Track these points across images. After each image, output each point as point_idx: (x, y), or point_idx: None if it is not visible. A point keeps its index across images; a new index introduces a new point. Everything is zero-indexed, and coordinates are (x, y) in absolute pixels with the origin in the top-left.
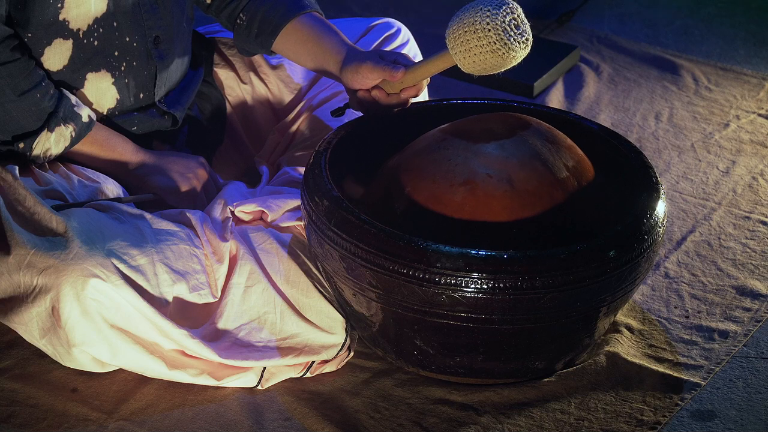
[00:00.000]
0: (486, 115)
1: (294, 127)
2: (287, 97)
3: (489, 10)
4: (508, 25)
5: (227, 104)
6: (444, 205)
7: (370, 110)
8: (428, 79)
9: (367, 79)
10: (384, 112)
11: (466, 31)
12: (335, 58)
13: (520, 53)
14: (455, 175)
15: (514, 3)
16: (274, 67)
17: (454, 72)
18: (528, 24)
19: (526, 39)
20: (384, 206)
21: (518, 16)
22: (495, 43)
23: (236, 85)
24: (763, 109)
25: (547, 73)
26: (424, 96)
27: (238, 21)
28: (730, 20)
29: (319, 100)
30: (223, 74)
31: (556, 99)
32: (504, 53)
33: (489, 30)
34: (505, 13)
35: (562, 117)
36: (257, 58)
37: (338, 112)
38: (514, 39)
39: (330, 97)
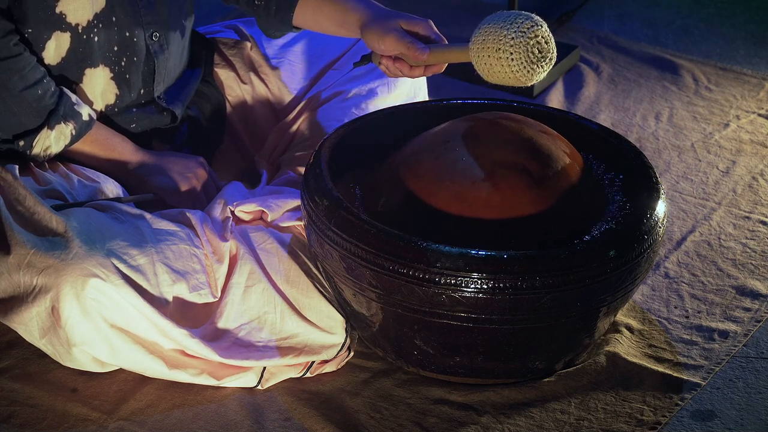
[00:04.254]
0: (474, 115)
1: (294, 127)
2: (287, 97)
3: (514, 34)
4: (531, 50)
5: (227, 104)
6: (469, 203)
7: (390, 73)
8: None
9: (389, 50)
10: (404, 76)
11: (489, 56)
12: (354, 17)
13: (540, 75)
14: (472, 172)
15: (539, 21)
16: (274, 68)
17: (454, 71)
18: (552, 40)
19: (549, 59)
20: (402, 217)
21: (542, 37)
22: (518, 71)
23: (236, 85)
24: (763, 109)
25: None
26: (424, 96)
27: (256, 2)
28: (730, 20)
29: (320, 100)
30: (223, 74)
31: (556, 99)
32: (526, 79)
33: (512, 59)
34: (528, 38)
35: (562, 117)
36: (257, 58)
37: (361, 62)
38: (535, 65)
39: (331, 97)
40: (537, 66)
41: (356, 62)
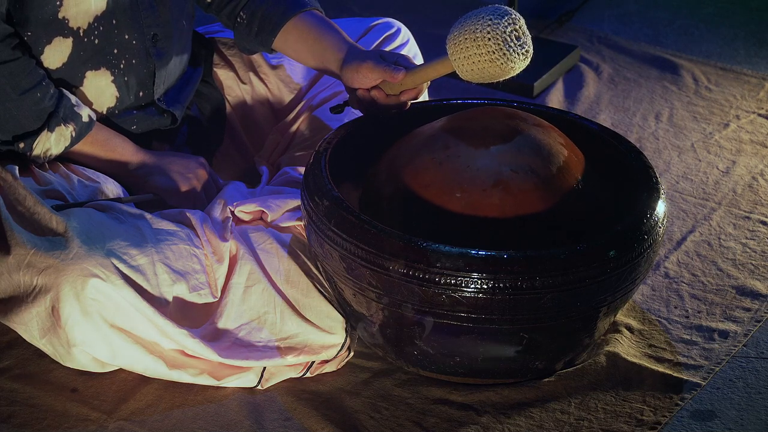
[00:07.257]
0: (464, 114)
1: (294, 127)
2: (287, 97)
3: (491, 19)
4: (509, 36)
5: (227, 104)
6: (484, 211)
7: (368, 109)
8: (428, 82)
9: (367, 78)
10: (382, 112)
11: (466, 39)
12: (336, 56)
13: (519, 64)
14: (482, 179)
15: (517, 14)
16: (273, 67)
17: (455, 72)
18: (529, 36)
19: (526, 51)
20: (413, 227)
21: (520, 27)
22: (494, 53)
23: (236, 86)
24: (763, 109)
25: (547, 73)
26: (424, 96)
27: (238, 19)
28: (730, 20)
29: (319, 100)
30: (223, 74)
31: (556, 99)
32: (502, 63)
33: (489, 39)
34: (506, 24)
35: (562, 117)
36: (257, 58)
37: (337, 110)
38: (513, 50)
39: (330, 97)
40: (513, 52)
41: (333, 108)
